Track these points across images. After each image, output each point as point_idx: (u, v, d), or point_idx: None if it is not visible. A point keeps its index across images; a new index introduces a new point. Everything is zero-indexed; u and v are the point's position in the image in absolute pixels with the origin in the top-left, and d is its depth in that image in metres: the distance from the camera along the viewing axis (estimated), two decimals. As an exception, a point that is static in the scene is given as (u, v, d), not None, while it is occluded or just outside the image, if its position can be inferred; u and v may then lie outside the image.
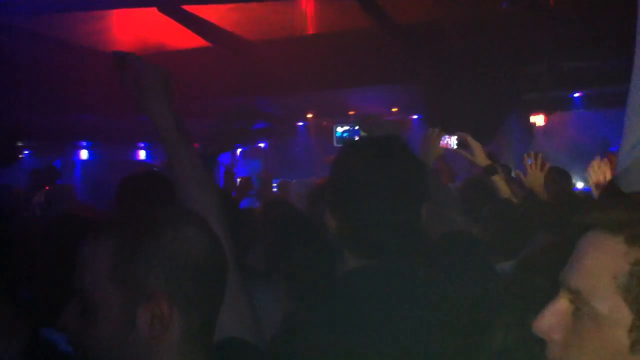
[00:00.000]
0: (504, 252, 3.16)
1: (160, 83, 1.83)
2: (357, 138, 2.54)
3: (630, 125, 2.10)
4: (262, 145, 14.36)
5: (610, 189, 3.32)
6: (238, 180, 8.31)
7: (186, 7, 8.36)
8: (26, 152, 13.56)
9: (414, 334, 1.56)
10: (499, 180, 3.98)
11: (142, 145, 13.68)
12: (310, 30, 8.73)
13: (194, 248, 1.28)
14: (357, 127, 2.48)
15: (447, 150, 3.70)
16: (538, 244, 3.52)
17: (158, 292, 1.23)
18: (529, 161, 4.38)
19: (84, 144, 13.32)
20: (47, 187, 6.77)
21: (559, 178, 5.05)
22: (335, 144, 2.35)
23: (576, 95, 11.14)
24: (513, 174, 5.62)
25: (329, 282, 2.21)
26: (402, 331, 1.56)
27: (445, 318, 1.57)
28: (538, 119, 11.05)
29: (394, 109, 11.99)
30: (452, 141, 3.69)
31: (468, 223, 3.54)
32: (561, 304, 1.09)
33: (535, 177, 4.27)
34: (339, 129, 2.30)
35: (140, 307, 1.23)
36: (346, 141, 2.25)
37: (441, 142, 3.55)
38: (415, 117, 12.16)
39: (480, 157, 3.83)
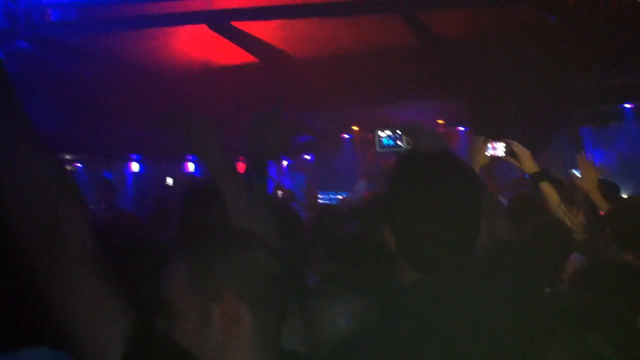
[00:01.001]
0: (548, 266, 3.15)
1: (208, 132, 2.08)
2: (400, 143, 2.56)
3: None
4: (308, 157, 14.44)
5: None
6: (279, 192, 8.41)
7: (235, 24, 8.53)
8: (79, 165, 13.90)
9: (473, 349, 1.59)
10: (547, 187, 3.90)
11: (191, 158, 13.89)
12: (356, 47, 8.80)
13: (257, 260, 1.52)
14: (399, 132, 2.49)
15: (494, 162, 3.67)
16: (585, 262, 3.52)
17: (229, 294, 1.45)
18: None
19: (135, 157, 13.60)
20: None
21: (609, 191, 4.95)
22: (378, 149, 2.37)
23: (627, 106, 10.95)
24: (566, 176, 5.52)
25: (386, 295, 2.24)
26: (461, 346, 1.59)
27: (503, 333, 1.61)
28: (587, 132, 10.90)
29: (439, 121, 11.97)
30: (499, 148, 3.66)
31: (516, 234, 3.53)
32: None
33: (589, 176, 4.15)
34: (382, 134, 2.32)
35: (214, 308, 1.45)
36: (400, 155, 2.26)
37: (488, 150, 3.52)
38: (461, 128, 12.10)
39: (529, 163, 3.75)
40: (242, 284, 1.48)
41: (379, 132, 2.41)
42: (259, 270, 1.51)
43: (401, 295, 1.75)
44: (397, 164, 1.83)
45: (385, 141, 2.35)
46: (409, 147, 2.50)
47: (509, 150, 3.68)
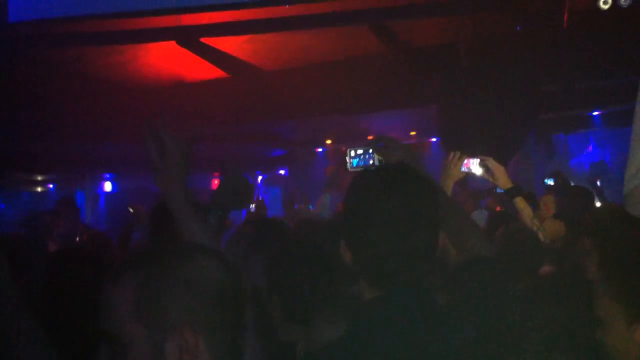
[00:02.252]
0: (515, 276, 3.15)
1: (181, 161, 2.03)
2: (370, 162, 2.54)
3: (633, 152, 2.13)
4: (282, 172, 14.44)
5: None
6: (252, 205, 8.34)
7: (204, 40, 8.52)
8: (50, 185, 13.76)
9: None
10: (521, 202, 3.94)
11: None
12: (326, 57, 8.83)
13: (211, 277, 1.32)
14: (370, 151, 2.50)
15: (469, 175, 3.69)
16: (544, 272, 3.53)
17: (181, 324, 1.26)
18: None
19: (107, 176, 13.49)
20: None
21: (582, 199, 4.97)
22: (349, 168, 2.37)
23: (595, 113, 11.10)
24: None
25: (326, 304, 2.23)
26: None
27: (465, 348, 1.59)
28: (557, 138, 11.02)
29: (412, 132, 12.03)
30: (474, 165, 3.68)
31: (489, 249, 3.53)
32: None
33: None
34: (352, 153, 2.34)
35: (166, 341, 1.26)
36: (359, 169, 2.26)
37: (462, 165, 3.55)
38: (434, 139, 12.18)
39: (503, 179, 3.80)
40: (197, 309, 1.28)
41: (350, 152, 2.42)
42: (216, 289, 1.32)
43: (359, 313, 1.71)
44: (354, 177, 1.81)
45: (355, 162, 2.36)
46: (379, 164, 2.49)
47: (483, 166, 3.71)
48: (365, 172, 1.87)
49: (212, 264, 1.35)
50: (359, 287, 1.75)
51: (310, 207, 8.59)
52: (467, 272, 2.30)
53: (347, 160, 2.62)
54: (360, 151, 2.56)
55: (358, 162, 2.59)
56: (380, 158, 2.47)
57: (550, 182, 7.30)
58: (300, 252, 2.54)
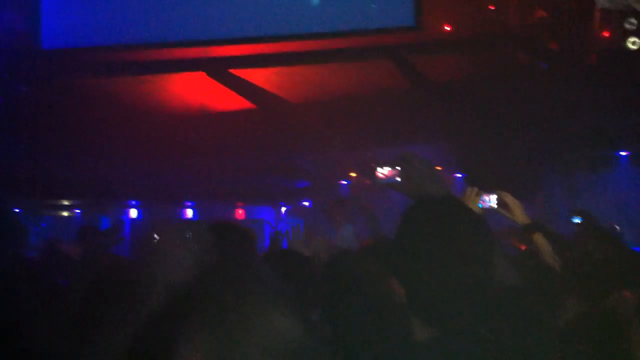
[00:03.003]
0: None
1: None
2: (397, 179, 2.52)
3: None
4: (306, 204, 14.44)
5: None
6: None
7: (232, 71, 8.65)
8: (77, 211, 13.91)
9: None
10: (539, 238, 3.91)
11: (189, 204, 13.91)
12: (352, 90, 8.91)
13: (285, 342, 1.31)
14: (397, 167, 2.52)
15: (487, 210, 3.68)
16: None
17: None
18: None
19: (133, 202, 13.61)
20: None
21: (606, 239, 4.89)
22: (377, 182, 2.40)
23: (622, 154, 10.99)
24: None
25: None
26: None
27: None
28: (581, 177, 10.91)
29: (437, 168, 12.01)
30: (491, 200, 3.68)
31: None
32: None
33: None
34: (379, 169, 2.36)
35: None
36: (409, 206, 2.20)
37: (480, 201, 3.55)
38: (458, 175, 12.14)
39: (520, 215, 3.78)
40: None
41: (377, 167, 2.45)
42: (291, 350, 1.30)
43: (419, 354, 1.65)
44: (405, 211, 1.77)
45: (381, 178, 2.37)
46: (404, 178, 2.48)
47: (500, 202, 3.71)
48: (417, 206, 1.83)
49: (289, 324, 1.34)
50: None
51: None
52: (501, 305, 2.28)
53: (375, 175, 2.60)
54: (387, 168, 2.56)
55: (385, 180, 2.59)
56: (404, 172, 2.46)
57: (577, 220, 7.21)
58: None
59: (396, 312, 2.05)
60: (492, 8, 7.28)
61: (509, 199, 3.72)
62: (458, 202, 1.76)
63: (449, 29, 7.34)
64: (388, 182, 2.52)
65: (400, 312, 1.73)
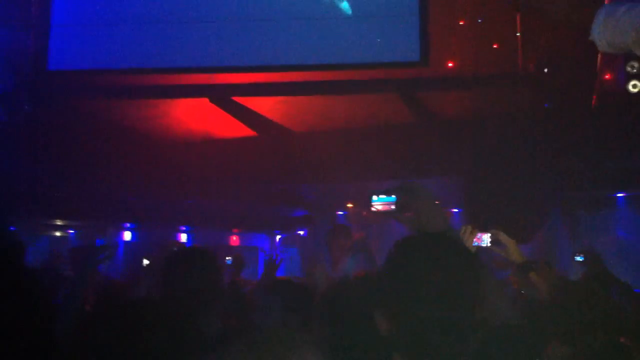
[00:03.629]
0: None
1: None
2: (392, 207, 2.49)
3: None
4: (301, 232, 14.42)
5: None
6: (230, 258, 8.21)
7: (236, 99, 8.69)
8: (71, 231, 13.83)
9: None
10: (535, 276, 3.90)
11: (184, 228, 13.86)
12: (354, 123, 8.95)
13: None
14: (393, 195, 2.51)
15: (481, 248, 3.68)
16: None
17: None
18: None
19: (128, 225, 13.55)
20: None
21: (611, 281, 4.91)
22: (372, 209, 2.41)
23: (619, 195, 11.03)
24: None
25: None
26: None
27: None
28: (582, 216, 10.93)
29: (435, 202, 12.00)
30: (485, 238, 3.69)
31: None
32: None
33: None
34: (374, 197, 2.36)
35: None
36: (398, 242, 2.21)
37: (475, 239, 3.55)
38: (455, 210, 12.15)
39: (515, 254, 3.78)
40: None
41: (373, 195, 2.44)
42: None
43: None
44: (395, 246, 1.78)
45: (374, 201, 2.36)
46: (399, 207, 2.46)
47: (495, 240, 3.72)
48: (407, 241, 1.83)
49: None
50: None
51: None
52: (495, 343, 2.28)
53: (371, 202, 2.58)
54: (382, 195, 2.53)
55: (381, 200, 2.56)
56: (401, 201, 2.44)
57: (581, 259, 7.20)
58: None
59: (379, 345, 2.03)
60: (496, 47, 7.36)
61: (503, 237, 3.73)
62: (450, 239, 1.76)
63: (453, 65, 7.41)
64: (383, 210, 2.50)
65: (383, 345, 1.72)
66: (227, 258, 8.40)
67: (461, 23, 7.30)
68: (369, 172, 9.54)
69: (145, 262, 6.72)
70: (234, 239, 14.87)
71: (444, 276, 1.65)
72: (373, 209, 2.58)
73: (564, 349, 3.51)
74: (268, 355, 1.32)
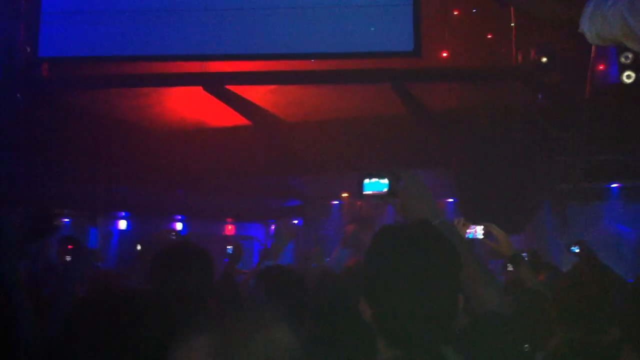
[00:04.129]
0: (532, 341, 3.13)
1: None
2: (384, 190, 2.49)
3: None
4: (295, 222, 14.42)
5: None
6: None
7: (230, 87, 8.66)
8: (66, 220, 13.81)
9: None
10: (524, 268, 3.95)
11: (179, 217, 13.87)
12: (347, 113, 8.94)
13: (283, 352, 1.33)
14: (385, 179, 2.51)
15: (473, 240, 3.72)
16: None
17: None
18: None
19: (123, 214, 13.54)
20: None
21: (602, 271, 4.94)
22: (362, 192, 2.41)
23: (613, 186, 11.02)
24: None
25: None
26: None
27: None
28: (573, 209, 10.95)
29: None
30: (478, 231, 3.72)
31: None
32: None
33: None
34: (366, 180, 2.36)
35: None
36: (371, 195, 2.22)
37: (467, 231, 3.59)
38: (450, 200, 12.15)
39: (505, 246, 3.83)
40: None
41: (364, 178, 2.43)
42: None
43: None
44: (376, 235, 1.81)
45: (367, 187, 2.36)
46: (390, 190, 2.45)
47: (487, 233, 3.75)
48: (388, 230, 1.86)
49: (285, 336, 1.36)
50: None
51: (326, 260, 8.50)
52: (480, 329, 2.29)
53: (360, 188, 2.57)
54: (374, 179, 2.52)
55: (370, 188, 2.55)
56: (392, 185, 2.43)
57: (576, 249, 7.25)
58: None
59: (364, 332, 2.06)
60: (490, 37, 7.35)
61: (495, 230, 3.77)
62: (432, 228, 1.78)
63: (446, 56, 7.40)
64: (374, 195, 2.50)
65: (367, 331, 1.76)
66: (227, 247, 8.41)
67: (455, 13, 7.29)
68: (362, 162, 9.53)
69: (139, 247, 6.72)
70: (229, 228, 14.88)
71: (423, 264, 1.68)
72: (364, 194, 2.58)
73: (554, 338, 3.53)
74: (234, 332, 1.33)
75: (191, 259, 3.06)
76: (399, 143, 8.67)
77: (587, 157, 8.20)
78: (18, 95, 8.50)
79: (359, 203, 12.65)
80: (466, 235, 3.58)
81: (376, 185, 2.44)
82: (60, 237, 7.09)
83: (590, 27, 2.44)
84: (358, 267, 3.77)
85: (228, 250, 8.42)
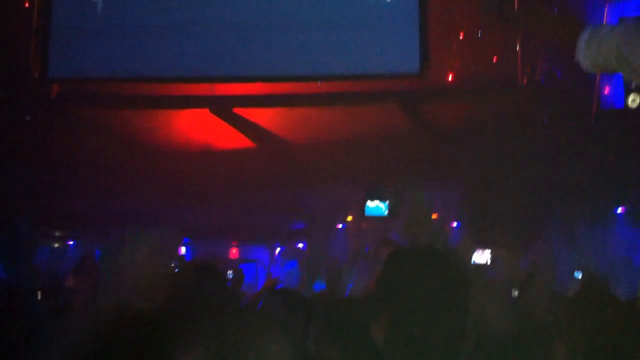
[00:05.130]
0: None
1: None
2: (385, 213, 2.51)
3: None
4: (300, 245, 14.41)
5: None
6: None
7: (237, 110, 8.72)
8: (70, 242, 13.81)
9: None
10: (533, 293, 3.92)
11: (185, 240, 13.87)
12: (352, 134, 8.96)
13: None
14: (388, 202, 2.50)
15: (480, 265, 3.70)
16: None
17: None
18: None
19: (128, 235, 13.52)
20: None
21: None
22: (365, 214, 2.38)
23: (619, 211, 10.98)
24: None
25: None
26: None
27: None
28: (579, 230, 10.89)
29: (434, 215, 11.98)
30: (485, 255, 3.72)
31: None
32: None
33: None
34: (370, 203, 2.32)
35: None
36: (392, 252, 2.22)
37: (474, 255, 3.57)
38: (455, 224, 12.11)
39: (514, 271, 3.82)
40: None
41: (369, 201, 2.42)
42: None
43: None
44: (388, 259, 1.82)
45: (369, 210, 2.34)
46: (390, 213, 2.48)
47: (494, 258, 3.75)
48: (400, 254, 1.88)
49: (279, 350, 1.40)
50: None
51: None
52: (489, 351, 2.28)
53: (364, 207, 2.60)
54: (377, 201, 2.55)
55: (373, 209, 2.58)
56: (394, 205, 2.46)
57: (579, 275, 7.21)
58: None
59: (375, 356, 2.09)
60: (496, 59, 7.40)
61: (502, 254, 3.76)
62: (438, 253, 1.79)
63: (452, 77, 7.44)
64: (377, 216, 2.52)
65: (378, 356, 1.76)
66: (228, 272, 8.42)
67: (461, 35, 7.34)
68: (367, 182, 9.54)
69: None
70: (234, 252, 14.86)
71: (434, 288, 1.69)
72: (366, 217, 2.61)
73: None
74: (229, 338, 1.37)
75: (207, 275, 3.11)
76: (406, 164, 8.68)
77: (595, 178, 8.19)
78: (27, 116, 8.55)
79: (364, 226, 12.63)
80: (472, 261, 3.56)
81: (377, 209, 2.47)
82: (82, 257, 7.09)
83: (585, 55, 2.48)
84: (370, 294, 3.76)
85: (228, 275, 8.44)
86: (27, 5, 8.24)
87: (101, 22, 8.13)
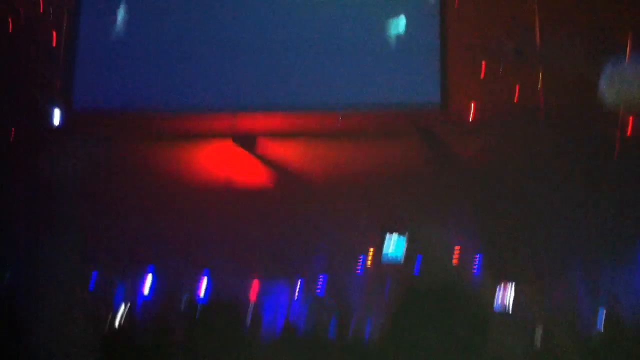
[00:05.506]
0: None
1: None
2: (401, 259, 2.49)
3: None
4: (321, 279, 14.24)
5: None
6: None
7: (259, 140, 8.75)
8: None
9: None
10: (557, 334, 3.85)
11: (205, 272, 13.82)
12: (375, 168, 8.93)
13: None
14: (406, 241, 2.48)
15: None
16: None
17: None
18: None
19: (149, 268, 13.52)
20: None
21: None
22: (382, 260, 2.36)
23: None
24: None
25: None
26: None
27: None
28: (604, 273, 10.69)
29: (456, 248, 11.83)
30: (508, 296, 3.66)
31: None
32: None
33: None
34: (386, 249, 2.28)
35: None
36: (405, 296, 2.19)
37: (497, 293, 3.52)
38: (477, 257, 11.95)
39: (537, 311, 3.77)
40: None
41: (386, 239, 2.38)
42: None
43: None
44: (402, 302, 1.78)
45: (388, 254, 2.30)
46: (410, 256, 2.47)
47: (518, 292, 3.70)
48: (413, 296, 1.85)
49: None
50: None
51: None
52: None
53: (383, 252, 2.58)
54: (393, 247, 2.54)
55: (388, 257, 2.56)
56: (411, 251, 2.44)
57: (602, 316, 7.06)
58: None
59: None
60: (517, 91, 7.39)
61: (526, 289, 3.70)
62: (451, 296, 1.76)
63: (474, 107, 7.43)
64: (391, 261, 2.51)
65: None
66: (247, 309, 8.43)
67: (482, 65, 7.35)
68: (390, 220, 9.45)
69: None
70: (254, 284, 14.74)
71: (450, 327, 1.67)
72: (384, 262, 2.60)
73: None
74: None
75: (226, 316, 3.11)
76: (429, 198, 8.61)
77: (619, 214, 8.07)
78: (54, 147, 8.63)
79: (382, 268, 12.48)
80: (495, 300, 3.51)
81: (395, 254, 2.46)
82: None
83: (609, 86, 2.47)
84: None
85: (248, 313, 8.38)
86: (54, 44, 8.42)
87: (125, 56, 8.26)
